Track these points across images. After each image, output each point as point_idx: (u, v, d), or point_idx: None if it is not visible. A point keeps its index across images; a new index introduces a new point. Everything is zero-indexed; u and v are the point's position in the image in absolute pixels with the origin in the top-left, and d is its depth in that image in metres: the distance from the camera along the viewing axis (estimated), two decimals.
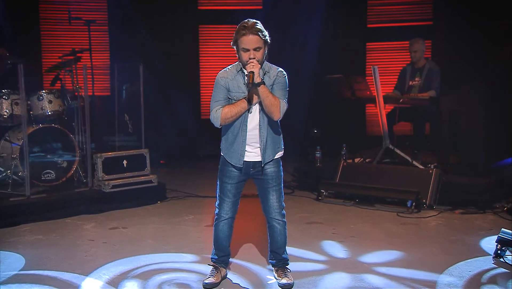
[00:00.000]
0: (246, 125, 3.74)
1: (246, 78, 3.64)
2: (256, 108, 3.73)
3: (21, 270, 4.26)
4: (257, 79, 3.57)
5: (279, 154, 3.85)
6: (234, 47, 3.72)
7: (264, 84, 3.62)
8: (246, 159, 3.78)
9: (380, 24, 9.36)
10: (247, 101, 3.67)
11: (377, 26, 9.38)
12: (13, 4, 8.12)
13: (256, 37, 3.61)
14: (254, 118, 3.74)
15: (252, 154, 3.78)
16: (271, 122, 3.76)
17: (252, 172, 3.82)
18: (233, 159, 3.79)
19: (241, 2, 9.46)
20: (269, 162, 3.79)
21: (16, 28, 8.05)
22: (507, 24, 7.51)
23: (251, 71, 3.56)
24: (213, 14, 9.55)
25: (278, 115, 3.67)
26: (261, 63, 3.68)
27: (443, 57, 8.09)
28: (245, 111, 3.71)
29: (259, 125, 3.74)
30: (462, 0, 8.17)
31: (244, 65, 3.68)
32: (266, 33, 3.66)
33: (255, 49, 3.62)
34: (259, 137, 3.75)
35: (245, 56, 3.64)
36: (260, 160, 3.78)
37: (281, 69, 3.79)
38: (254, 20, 3.66)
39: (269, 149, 3.78)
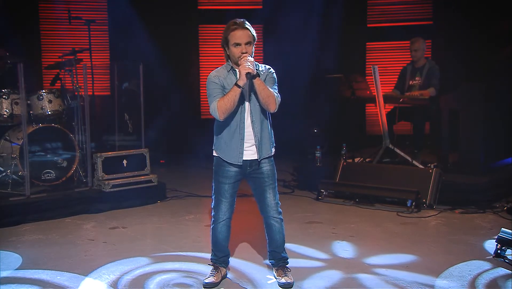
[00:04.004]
0: (244, 122, 3.74)
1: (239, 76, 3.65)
2: (247, 105, 3.73)
3: (20, 269, 4.26)
4: (253, 72, 3.59)
5: (273, 150, 3.87)
6: (224, 46, 3.76)
7: (259, 76, 3.64)
8: (244, 157, 3.77)
9: (380, 24, 9.36)
10: (236, 85, 3.63)
11: (377, 26, 9.38)
12: (13, 4, 8.11)
13: (247, 31, 3.67)
14: (248, 115, 3.74)
15: (249, 152, 3.77)
16: (263, 118, 3.76)
17: (249, 170, 3.81)
18: (232, 157, 3.78)
19: (241, 2, 9.46)
20: (264, 158, 3.79)
21: (16, 28, 8.05)
22: (507, 24, 7.52)
23: (247, 73, 3.56)
24: (213, 14, 9.54)
25: (274, 107, 3.69)
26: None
27: (443, 56, 8.09)
28: (241, 96, 3.66)
29: (252, 121, 3.75)
30: (462, 0, 8.17)
31: (235, 62, 3.69)
32: (254, 31, 3.73)
33: (246, 44, 3.66)
34: (253, 133, 3.75)
35: (237, 51, 3.67)
36: (256, 157, 3.78)
37: (269, 66, 3.85)
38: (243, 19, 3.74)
39: (264, 144, 3.79)
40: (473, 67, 7.75)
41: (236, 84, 3.62)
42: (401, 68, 7.22)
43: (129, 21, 8.77)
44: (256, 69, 3.71)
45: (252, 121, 3.75)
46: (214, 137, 3.87)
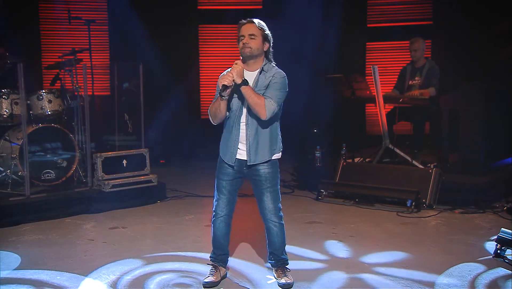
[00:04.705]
0: (239, 124, 3.75)
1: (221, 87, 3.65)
2: (244, 107, 3.73)
3: (20, 269, 4.25)
4: (237, 80, 3.60)
5: (276, 156, 3.82)
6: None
7: (247, 84, 3.63)
8: (238, 156, 3.78)
9: (380, 24, 9.37)
10: (220, 95, 3.65)
11: (377, 26, 9.38)
12: (13, 4, 8.11)
13: (252, 25, 3.70)
14: (244, 117, 3.75)
15: (244, 152, 3.77)
16: (261, 122, 3.72)
17: (247, 171, 3.81)
18: (226, 156, 3.81)
19: (241, 2, 9.46)
20: (263, 162, 3.77)
21: (16, 28, 8.05)
22: (507, 24, 7.51)
23: (223, 85, 3.58)
24: (213, 14, 9.56)
25: (264, 115, 3.63)
26: (256, 54, 3.70)
27: (443, 56, 8.09)
28: (240, 98, 3.69)
29: (246, 124, 3.74)
30: (462, 0, 8.17)
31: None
32: (266, 28, 3.73)
33: (249, 35, 3.67)
34: (246, 136, 3.74)
35: (240, 44, 3.70)
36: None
37: (280, 70, 3.78)
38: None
39: (260, 149, 3.75)
40: (473, 67, 7.74)
41: (219, 94, 3.64)
42: (401, 68, 7.22)
43: (129, 21, 8.77)
44: (262, 69, 3.71)
45: (246, 124, 3.74)
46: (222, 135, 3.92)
